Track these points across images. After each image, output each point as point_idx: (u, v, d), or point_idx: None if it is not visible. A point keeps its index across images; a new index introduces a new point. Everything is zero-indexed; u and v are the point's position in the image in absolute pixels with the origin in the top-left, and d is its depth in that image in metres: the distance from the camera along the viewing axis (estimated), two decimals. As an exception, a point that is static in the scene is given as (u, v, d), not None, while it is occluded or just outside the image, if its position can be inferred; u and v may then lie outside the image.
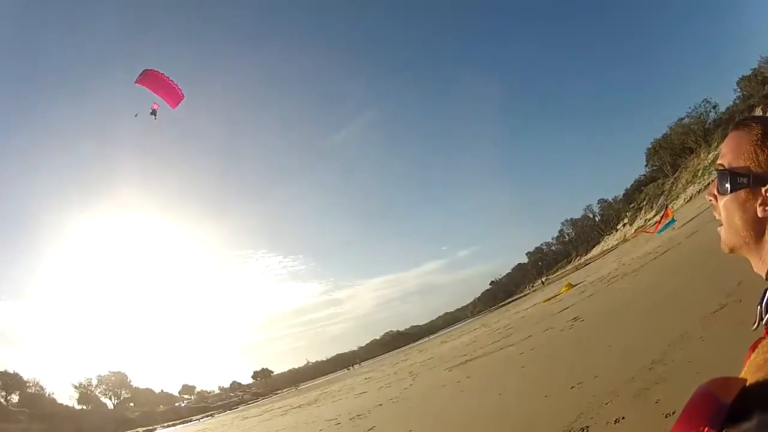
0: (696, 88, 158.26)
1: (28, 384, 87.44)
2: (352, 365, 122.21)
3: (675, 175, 72.80)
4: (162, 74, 19.21)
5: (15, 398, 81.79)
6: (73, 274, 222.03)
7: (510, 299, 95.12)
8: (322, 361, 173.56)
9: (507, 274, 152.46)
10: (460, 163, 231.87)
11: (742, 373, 0.60)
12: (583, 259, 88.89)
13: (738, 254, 1.04)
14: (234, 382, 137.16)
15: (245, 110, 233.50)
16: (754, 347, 0.85)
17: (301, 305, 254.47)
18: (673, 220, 38.70)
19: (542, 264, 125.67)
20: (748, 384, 0.53)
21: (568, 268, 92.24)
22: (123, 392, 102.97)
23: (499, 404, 9.18)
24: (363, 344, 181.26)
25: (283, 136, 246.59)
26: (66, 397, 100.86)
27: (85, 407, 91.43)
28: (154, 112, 22.34)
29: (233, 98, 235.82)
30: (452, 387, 13.71)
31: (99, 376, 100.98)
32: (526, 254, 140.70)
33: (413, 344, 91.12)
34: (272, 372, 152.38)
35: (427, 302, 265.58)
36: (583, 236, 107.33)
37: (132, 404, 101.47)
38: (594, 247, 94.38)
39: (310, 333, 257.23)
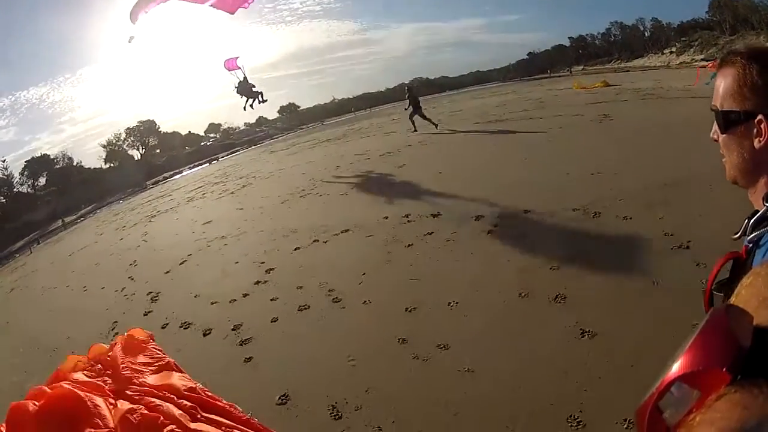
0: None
1: (56, 160, 79.17)
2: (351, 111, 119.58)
3: (731, 38, 66.10)
4: None
5: (42, 181, 73.98)
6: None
7: (543, 75, 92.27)
8: (349, 98, 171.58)
9: (545, 51, 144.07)
10: None
11: (735, 297, 0.54)
12: (623, 65, 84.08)
13: (740, 185, 1.06)
14: (260, 116, 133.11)
15: None
16: (726, 258, 0.88)
17: (334, 42, 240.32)
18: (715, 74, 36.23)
19: (582, 53, 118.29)
20: (759, 324, 0.45)
21: (606, 66, 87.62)
22: (150, 140, 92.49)
23: (523, 166, 9.38)
24: (391, 86, 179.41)
25: None
26: (94, 160, 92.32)
27: (112, 164, 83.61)
28: (248, 92, 12.70)
29: None
30: (480, 141, 13.52)
31: (127, 128, 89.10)
32: (569, 38, 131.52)
33: (441, 94, 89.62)
34: (299, 107, 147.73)
35: (460, 57, 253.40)
36: (628, 45, 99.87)
37: (158, 150, 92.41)
38: (637, 58, 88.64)
39: (340, 70, 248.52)
